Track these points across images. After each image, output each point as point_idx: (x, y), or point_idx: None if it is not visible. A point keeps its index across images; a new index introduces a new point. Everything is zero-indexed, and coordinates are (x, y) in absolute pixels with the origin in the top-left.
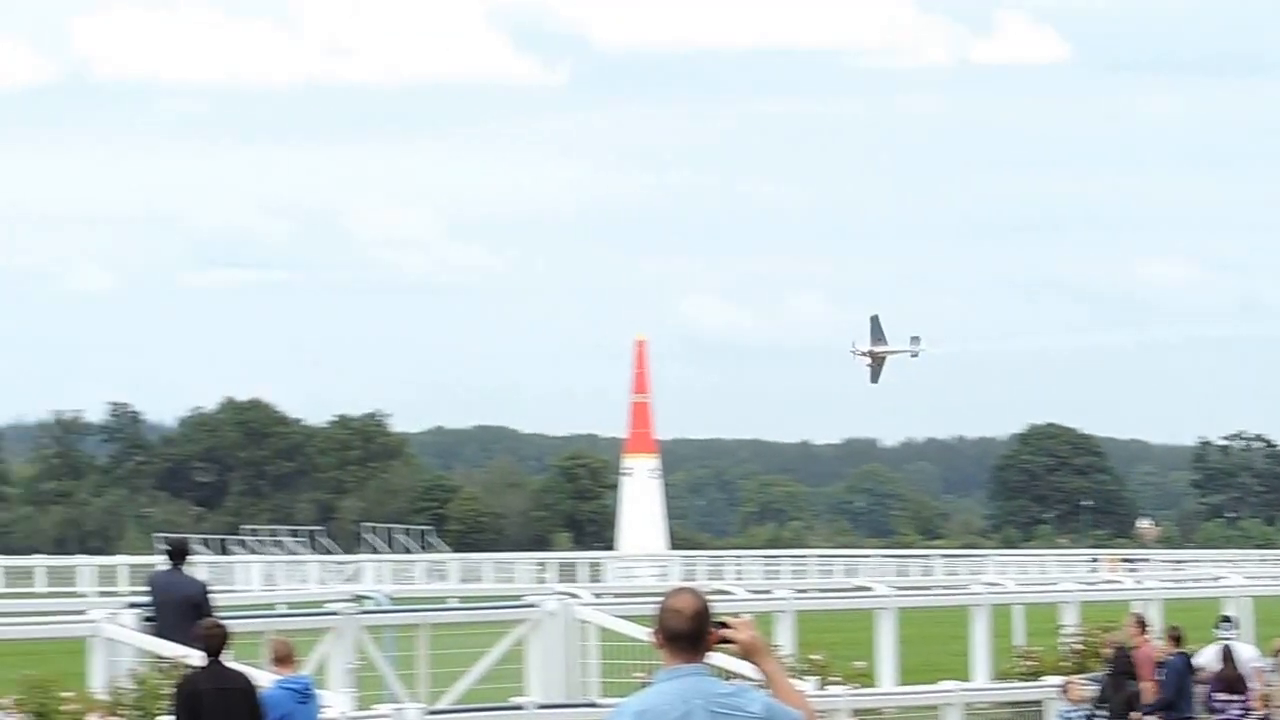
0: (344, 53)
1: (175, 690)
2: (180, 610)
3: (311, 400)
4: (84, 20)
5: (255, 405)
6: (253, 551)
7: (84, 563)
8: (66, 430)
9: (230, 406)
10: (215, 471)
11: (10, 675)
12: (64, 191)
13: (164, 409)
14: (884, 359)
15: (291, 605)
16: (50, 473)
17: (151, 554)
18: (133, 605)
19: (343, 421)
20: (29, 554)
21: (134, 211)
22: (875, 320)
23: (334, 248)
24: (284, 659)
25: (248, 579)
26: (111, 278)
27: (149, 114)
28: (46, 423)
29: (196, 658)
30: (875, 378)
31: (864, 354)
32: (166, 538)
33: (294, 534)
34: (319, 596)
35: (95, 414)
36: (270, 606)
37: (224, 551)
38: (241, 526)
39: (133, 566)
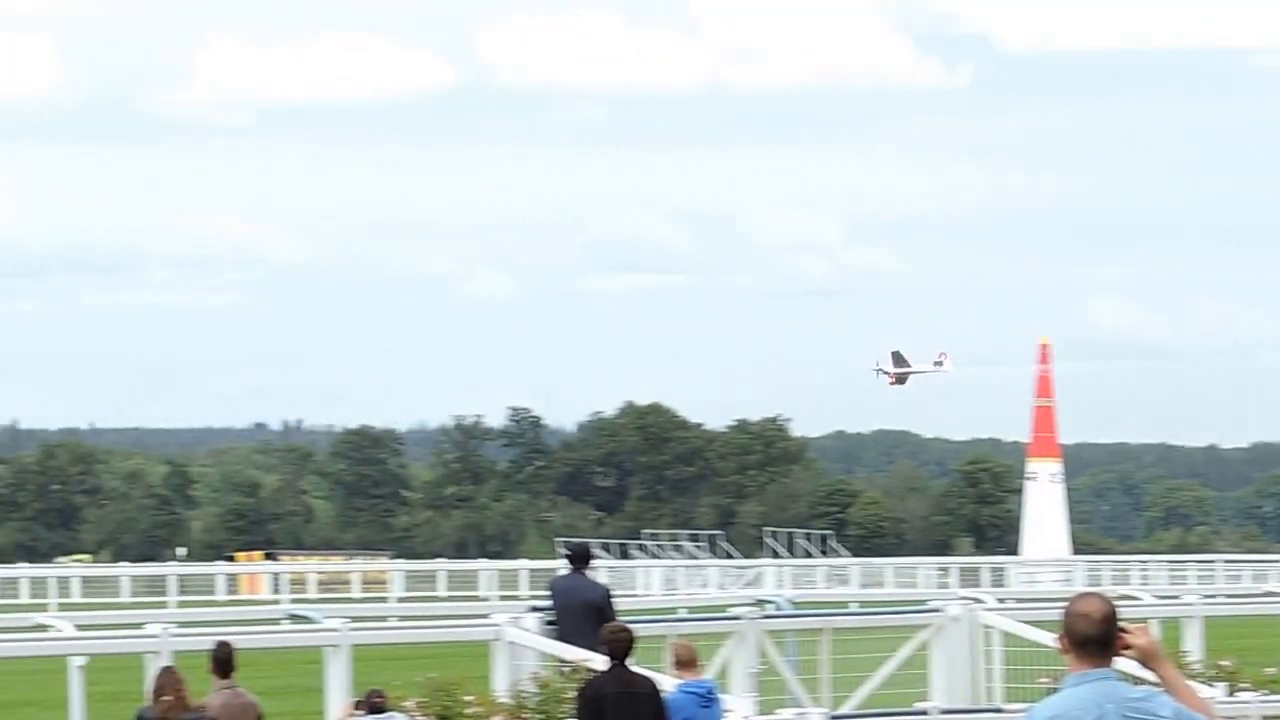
0: (743, 56)
1: (578, 694)
2: (582, 614)
3: (711, 404)
4: (487, 28)
5: (655, 410)
6: (653, 556)
7: (485, 567)
8: (468, 435)
9: (630, 411)
10: (615, 476)
11: (414, 678)
12: (465, 198)
13: (564, 414)
14: (907, 377)
15: (692, 609)
16: (451, 477)
17: (552, 558)
18: (534, 609)
19: (742, 426)
20: (431, 558)
21: (534, 217)
22: (897, 354)
23: (733, 251)
24: (687, 663)
25: (648, 583)
26: (512, 283)
27: (549, 120)
28: (448, 428)
29: (600, 661)
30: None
31: (885, 372)
32: (567, 542)
33: (694, 538)
34: (720, 601)
35: (496, 419)
36: (671, 611)
37: (624, 556)
38: (641, 531)
39: (533, 571)
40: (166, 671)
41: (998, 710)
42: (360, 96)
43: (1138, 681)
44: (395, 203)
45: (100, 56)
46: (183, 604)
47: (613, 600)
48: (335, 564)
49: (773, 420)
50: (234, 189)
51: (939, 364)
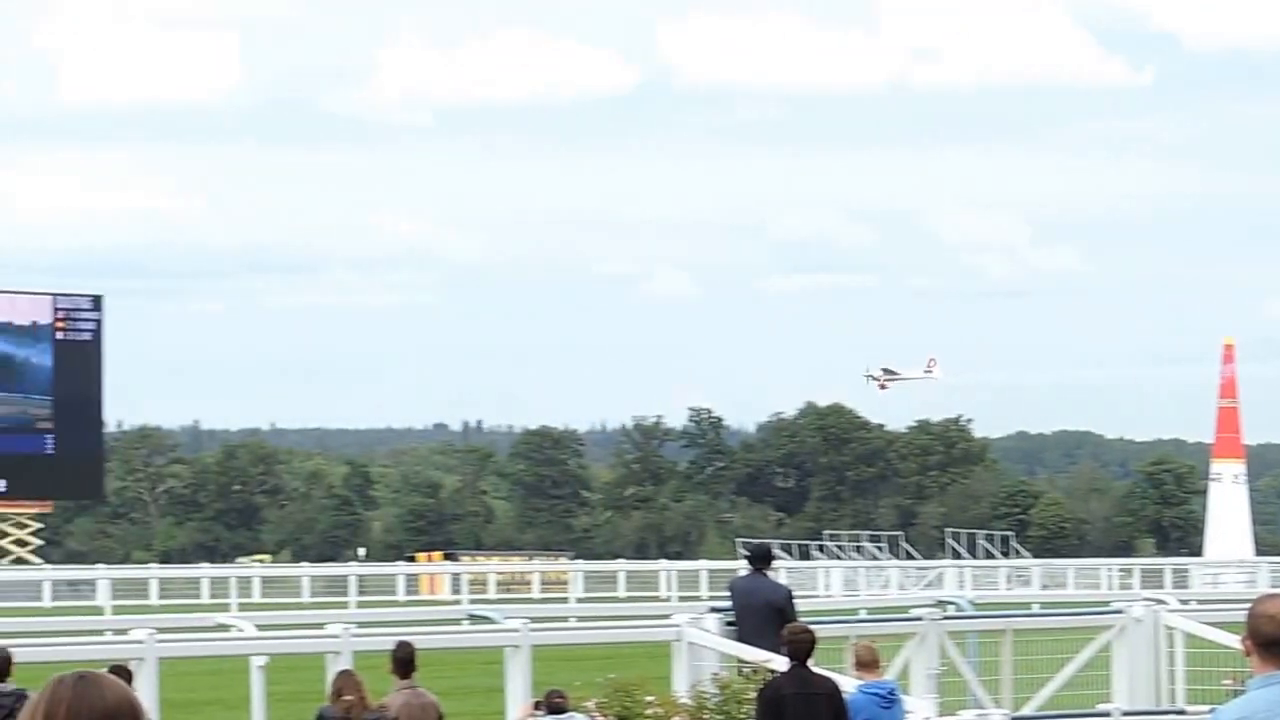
0: (926, 56)
1: (758, 695)
2: (763, 615)
3: (892, 405)
4: (668, 27)
5: (836, 410)
6: (833, 557)
7: (665, 567)
8: (647, 436)
9: (811, 411)
10: (795, 477)
11: (594, 678)
12: (647, 197)
13: (744, 414)
14: (892, 383)
15: (873, 610)
16: (631, 478)
17: (732, 559)
18: (715, 610)
19: (923, 426)
20: (611, 559)
21: (715, 216)
22: (887, 369)
23: (916, 251)
24: (868, 664)
25: (828, 584)
26: (693, 283)
27: (730, 120)
28: (628, 428)
29: (780, 662)
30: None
31: (874, 378)
32: (748, 543)
33: (874, 539)
34: (901, 602)
35: (676, 419)
36: (852, 612)
37: (804, 557)
38: (822, 532)
39: (713, 571)
40: (345, 674)
41: (1180, 712)
42: (539, 96)
43: None
44: (575, 202)
45: (282, 57)
46: (362, 604)
47: (793, 601)
48: (515, 564)
49: (954, 421)
50: (414, 189)
51: (929, 371)
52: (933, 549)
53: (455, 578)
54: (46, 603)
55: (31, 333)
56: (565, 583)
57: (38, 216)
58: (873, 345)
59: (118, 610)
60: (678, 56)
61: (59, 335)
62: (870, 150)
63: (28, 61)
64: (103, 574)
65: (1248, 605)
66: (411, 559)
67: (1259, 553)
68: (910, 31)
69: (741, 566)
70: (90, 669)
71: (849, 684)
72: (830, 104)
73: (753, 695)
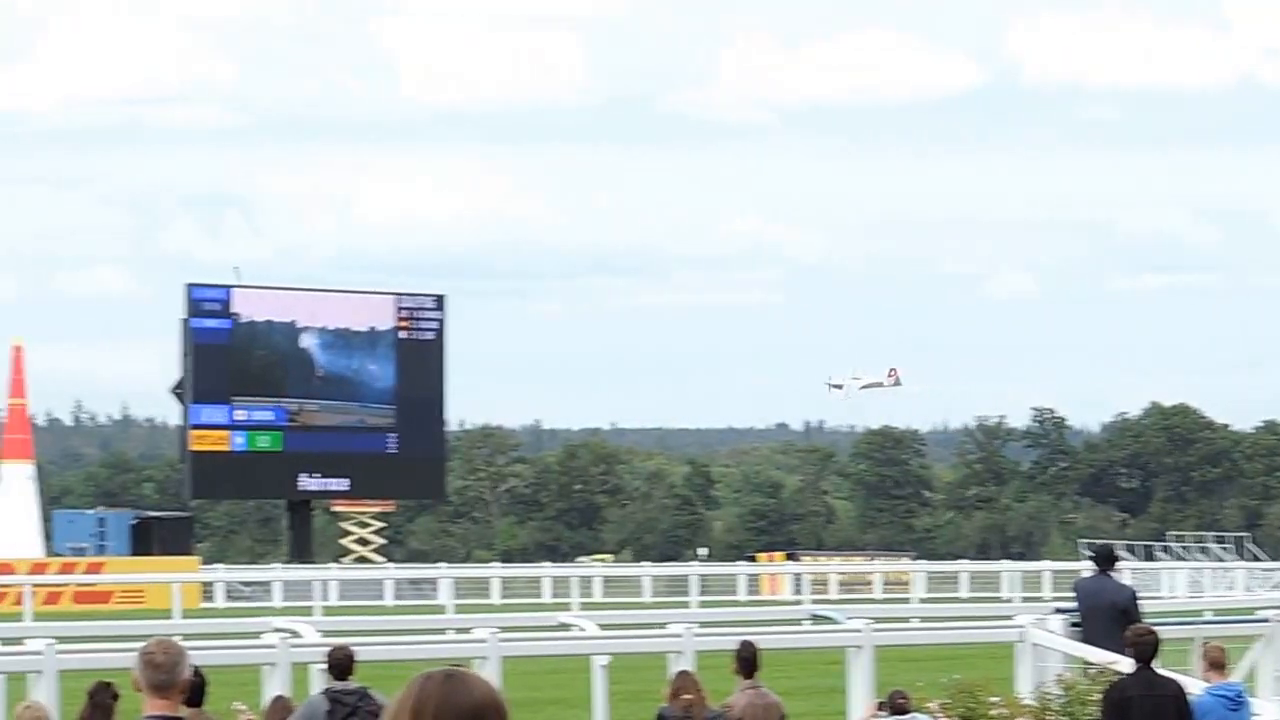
0: (1277, 55)
1: (1103, 696)
2: (1108, 617)
3: (1239, 404)
4: (1016, 26)
5: (1181, 410)
6: (1177, 558)
7: (1007, 568)
8: (990, 436)
9: (1155, 411)
10: (1139, 477)
11: (936, 679)
12: (990, 196)
13: (1087, 414)
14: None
15: (1218, 612)
16: (973, 478)
17: (1075, 560)
18: (1059, 611)
19: (1270, 426)
20: (953, 559)
21: (1059, 216)
22: (856, 378)
23: (1264, 250)
24: (1216, 666)
25: (1173, 585)
26: (1036, 283)
27: (1076, 119)
28: (970, 428)
29: (1125, 664)
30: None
31: (837, 386)
32: (1092, 544)
33: (1219, 540)
34: (1247, 603)
35: (1019, 419)
36: (1197, 613)
37: (1149, 558)
38: (1166, 533)
39: (1056, 572)
40: (684, 674)
41: None
42: (881, 95)
43: None
44: (917, 201)
45: (624, 57)
46: (704, 604)
47: (1138, 602)
48: (857, 565)
49: None
50: (755, 188)
51: (892, 378)
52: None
53: (796, 578)
54: (389, 601)
55: (369, 338)
56: (907, 583)
57: (381, 218)
58: (1218, 344)
59: (460, 609)
60: (1025, 55)
61: (402, 335)
62: (1218, 149)
63: (372, 64)
64: (445, 573)
65: None
66: (752, 559)
67: None
68: (1261, 30)
69: (1085, 567)
70: (456, 667)
71: (1195, 686)
72: (1177, 102)
73: (1097, 697)
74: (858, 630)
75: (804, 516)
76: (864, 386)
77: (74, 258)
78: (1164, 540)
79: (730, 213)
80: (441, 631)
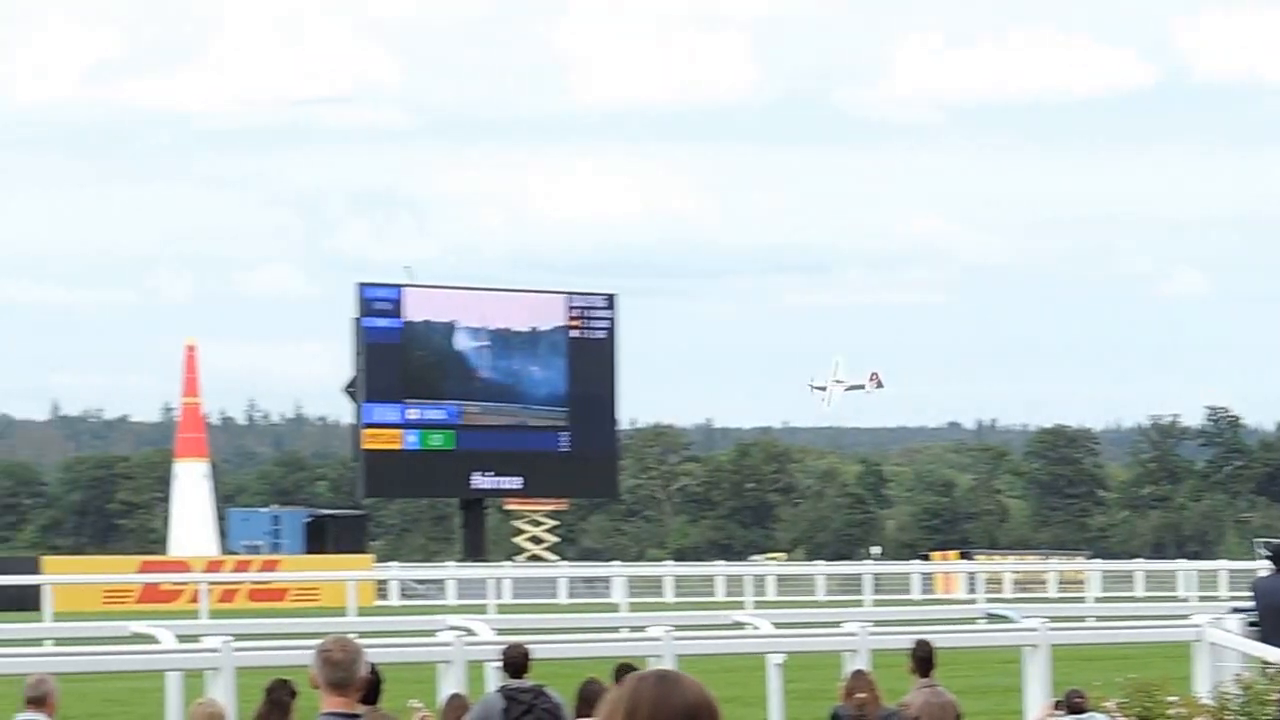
0: None
1: None
2: None
3: None
4: (1184, 21)
5: None
6: None
7: (1183, 567)
8: (1164, 435)
9: None
10: None
11: (1113, 678)
12: (1163, 194)
13: (1263, 413)
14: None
15: None
16: (1148, 477)
17: (1250, 559)
18: (1236, 610)
19: None
20: (1128, 558)
21: (1232, 214)
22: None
23: None
24: None
25: None
26: (1210, 282)
27: (1247, 116)
28: (1144, 427)
29: None
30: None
31: (820, 388)
32: (1268, 543)
33: None
34: None
35: (1193, 418)
36: None
37: None
38: None
39: (1232, 571)
40: (858, 673)
41: None
42: (1052, 94)
43: None
44: (1089, 201)
45: (795, 55)
46: (878, 603)
47: None
48: (1031, 563)
49: None
50: (927, 187)
51: (874, 381)
52: None
53: (970, 576)
54: (562, 599)
55: (530, 339)
56: (1082, 582)
57: (553, 217)
58: None
59: (634, 608)
60: (1195, 50)
61: (573, 334)
62: None
63: (542, 65)
64: (618, 571)
65: None
66: (926, 557)
67: None
68: None
69: (1261, 566)
70: (669, 668)
71: None
72: None
73: (1277, 697)
74: (1034, 629)
75: (977, 515)
76: (847, 389)
77: (245, 257)
78: None
79: (902, 211)
80: (615, 630)
